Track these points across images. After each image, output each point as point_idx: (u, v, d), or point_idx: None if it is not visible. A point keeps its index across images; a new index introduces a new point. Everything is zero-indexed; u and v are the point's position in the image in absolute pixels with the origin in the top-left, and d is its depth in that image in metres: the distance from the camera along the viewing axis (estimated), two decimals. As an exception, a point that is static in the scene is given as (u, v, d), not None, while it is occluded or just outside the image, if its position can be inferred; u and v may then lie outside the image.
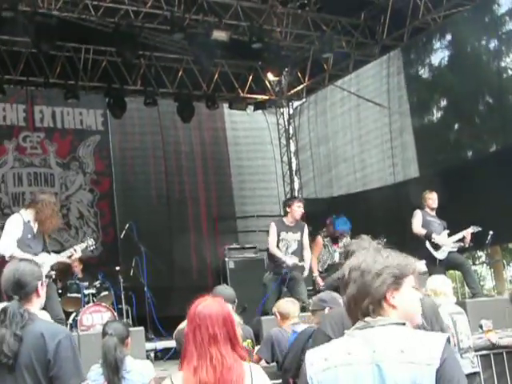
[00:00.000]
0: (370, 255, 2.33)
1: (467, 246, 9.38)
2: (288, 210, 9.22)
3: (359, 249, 3.40)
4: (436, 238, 9.25)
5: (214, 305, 3.05)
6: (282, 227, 9.10)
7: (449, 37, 13.22)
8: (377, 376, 2.16)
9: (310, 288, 9.81)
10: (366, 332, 2.25)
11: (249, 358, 4.71)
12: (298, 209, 9.07)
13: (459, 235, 9.35)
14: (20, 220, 7.13)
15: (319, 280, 9.52)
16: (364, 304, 2.27)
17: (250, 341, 4.89)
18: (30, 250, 6.88)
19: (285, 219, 9.25)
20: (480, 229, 9.28)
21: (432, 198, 9.52)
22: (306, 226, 9.30)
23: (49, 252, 7.24)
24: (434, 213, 9.55)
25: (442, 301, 5.99)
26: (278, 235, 9.03)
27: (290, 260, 8.80)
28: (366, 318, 2.27)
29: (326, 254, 9.71)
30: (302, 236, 9.06)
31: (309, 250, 9.26)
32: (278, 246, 9.01)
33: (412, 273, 2.34)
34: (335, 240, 9.75)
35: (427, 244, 9.26)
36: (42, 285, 3.48)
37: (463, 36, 12.56)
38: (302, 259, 9.02)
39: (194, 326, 2.97)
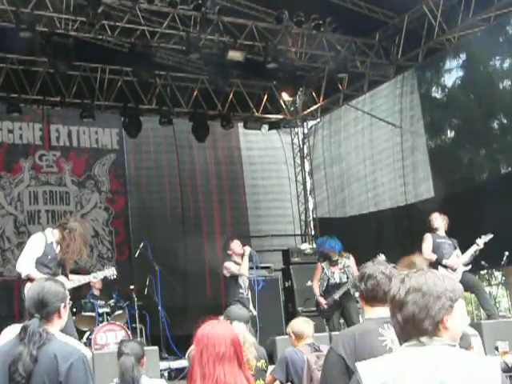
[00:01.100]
0: (430, 277, 2.40)
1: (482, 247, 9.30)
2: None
3: (376, 272, 3.45)
4: (447, 262, 9.20)
5: (221, 326, 3.10)
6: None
7: (463, 57, 13.22)
8: None
9: (314, 309, 10.28)
10: (424, 349, 2.31)
11: (262, 378, 4.71)
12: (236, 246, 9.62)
13: (470, 251, 9.29)
14: (42, 240, 7.06)
15: (322, 300, 9.85)
16: (424, 325, 2.33)
17: (263, 361, 4.88)
18: (49, 270, 6.82)
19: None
20: (491, 235, 9.13)
21: (432, 219, 9.49)
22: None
23: (67, 276, 7.18)
24: (443, 233, 9.50)
25: None
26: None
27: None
28: (422, 338, 2.34)
29: (325, 277, 9.94)
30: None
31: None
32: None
33: (460, 296, 2.44)
34: (333, 262, 9.98)
35: (440, 269, 9.19)
36: (64, 307, 3.49)
37: (477, 56, 12.55)
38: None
39: (201, 346, 2.99)
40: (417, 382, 2.22)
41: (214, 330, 3.01)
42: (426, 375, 2.23)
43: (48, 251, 7.00)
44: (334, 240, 10.22)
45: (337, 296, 9.69)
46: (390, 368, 2.27)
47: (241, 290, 9.32)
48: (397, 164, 13.91)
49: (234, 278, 9.36)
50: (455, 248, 9.42)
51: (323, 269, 9.98)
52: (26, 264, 6.91)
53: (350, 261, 9.94)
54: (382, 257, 7.79)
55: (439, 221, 9.49)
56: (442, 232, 9.49)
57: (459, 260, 9.30)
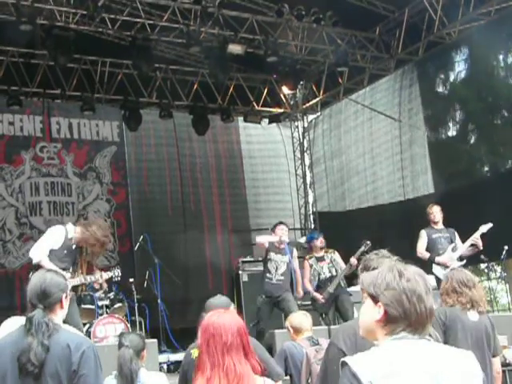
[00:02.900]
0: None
1: (481, 248, 9.25)
2: (273, 233, 9.76)
3: (380, 265, 3.38)
4: (440, 260, 9.19)
5: (228, 316, 3.08)
6: (272, 247, 9.57)
7: (465, 51, 13.19)
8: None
9: (309, 302, 10.18)
10: (416, 343, 2.33)
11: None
12: (279, 232, 9.56)
13: (467, 244, 9.23)
14: (63, 234, 7.11)
15: (318, 296, 9.78)
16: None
17: None
18: (60, 264, 6.86)
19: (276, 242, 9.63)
20: (491, 225, 9.03)
21: (433, 213, 9.45)
22: (294, 249, 9.92)
23: (75, 272, 7.23)
24: (439, 225, 9.48)
25: None
26: (267, 254, 9.58)
27: None
28: (417, 331, 2.35)
29: (315, 273, 9.94)
30: (290, 259, 9.44)
31: (299, 272, 9.74)
32: (267, 265, 9.56)
33: None
34: (320, 259, 10.03)
35: (434, 266, 9.19)
36: (66, 297, 3.54)
37: (479, 50, 12.52)
38: (291, 280, 9.51)
39: (207, 336, 2.98)
40: (416, 377, 2.23)
41: (220, 320, 3.01)
42: (425, 369, 2.24)
43: (65, 246, 7.05)
44: (313, 233, 10.54)
45: (331, 289, 9.69)
46: (387, 362, 2.26)
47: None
48: (395, 157, 13.93)
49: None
50: (452, 241, 9.40)
51: (311, 266, 9.98)
52: (39, 251, 6.95)
53: (335, 255, 10.02)
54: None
55: (439, 214, 9.47)
56: (439, 225, 9.49)
57: (456, 253, 9.27)
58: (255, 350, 4.64)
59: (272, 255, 9.57)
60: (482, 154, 13.01)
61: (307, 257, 10.30)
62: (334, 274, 9.82)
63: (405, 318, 2.33)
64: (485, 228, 9.08)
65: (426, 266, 9.02)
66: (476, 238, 9.06)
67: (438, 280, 8.46)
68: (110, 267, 8.33)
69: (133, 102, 13.97)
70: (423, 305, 2.33)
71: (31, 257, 7.03)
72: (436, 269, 9.15)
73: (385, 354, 2.30)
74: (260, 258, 10.62)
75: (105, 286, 10.82)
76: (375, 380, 2.20)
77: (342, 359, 2.32)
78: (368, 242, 9.45)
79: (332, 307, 9.80)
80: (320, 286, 9.87)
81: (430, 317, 2.36)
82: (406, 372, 2.22)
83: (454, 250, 9.28)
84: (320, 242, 10.13)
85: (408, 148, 13.65)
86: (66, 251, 7.04)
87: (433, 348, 2.35)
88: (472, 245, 9.20)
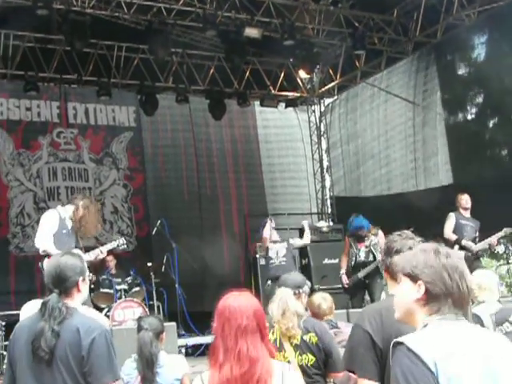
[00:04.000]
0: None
1: (495, 248, 9.32)
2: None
3: (404, 248, 3.29)
4: (466, 244, 9.21)
5: (243, 298, 2.99)
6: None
7: (484, 33, 13.02)
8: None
9: (339, 286, 10.16)
10: (462, 323, 2.30)
11: (309, 352, 4.55)
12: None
13: (485, 244, 9.29)
14: (56, 215, 7.21)
15: (344, 278, 9.84)
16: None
17: (312, 334, 4.60)
18: (64, 246, 6.88)
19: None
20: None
21: (464, 199, 9.48)
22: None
23: (81, 249, 7.28)
24: (468, 214, 9.48)
25: (486, 297, 5.48)
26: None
27: None
28: (461, 311, 2.32)
29: (352, 253, 9.88)
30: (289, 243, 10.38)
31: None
32: (268, 254, 10.32)
33: None
34: (360, 239, 9.91)
35: (455, 248, 9.17)
36: (83, 280, 3.49)
37: (499, 32, 12.37)
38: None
39: (223, 319, 2.90)
40: (473, 358, 2.18)
41: (235, 302, 2.93)
42: (480, 351, 2.20)
43: (62, 226, 7.14)
44: (360, 219, 10.15)
45: (361, 275, 9.64)
46: (445, 342, 2.21)
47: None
48: (408, 139, 13.83)
49: None
50: (476, 232, 9.41)
51: (351, 245, 9.92)
52: (42, 240, 7.03)
53: (377, 237, 9.85)
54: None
55: (468, 203, 9.50)
56: (468, 213, 9.49)
57: (476, 247, 9.30)
58: (325, 336, 4.60)
59: (270, 245, 10.19)
60: (501, 137, 12.86)
61: (348, 234, 10.32)
62: (371, 259, 9.69)
63: (447, 295, 2.28)
64: (509, 231, 9.14)
65: (450, 247, 9.03)
66: (496, 238, 9.15)
67: None
68: (112, 240, 8.31)
69: (149, 87, 13.95)
70: (465, 282, 2.29)
71: (37, 247, 7.09)
72: (457, 251, 9.14)
73: (440, 333, 2.24)
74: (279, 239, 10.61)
75: (112, 263, 10.92)
76: (438, 360, 2.14)
77: (395, 340, 2.26)
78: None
79: (361, 290, 9.74)
80: (354, 268, 9.79)
81: (470, 295, 2.32)
82: (465, 353, 2.17)
83: (475, 242, 9.34)
84: (365, 234, 9.92)
85: (420, 130, 13.55)
86: (64, 231, 7.14)
87: (480, 330, 2.32)
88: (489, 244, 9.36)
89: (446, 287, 2.27)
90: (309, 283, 5.24)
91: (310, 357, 4.51)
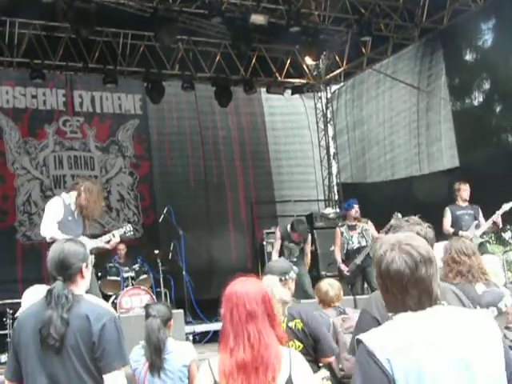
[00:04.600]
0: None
1: (501, 226, 9.34)
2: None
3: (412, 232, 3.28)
4: (463, 234, 9.18)
5: (251, 283, 3.00)
6: (288, 238, 10.35)
7: (491, 19, 12.93)
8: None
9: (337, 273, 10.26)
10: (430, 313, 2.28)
11: (296, 339, 4.57)
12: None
13: (489, 222, 9.29)
14: (60, 202, 7.19)
15: (343, 267, 9.96)
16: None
17: (298, 321, 4.63)
18: (71, 232, 6.86)
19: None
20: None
21: (462, 189, 9.52)
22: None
23: (88, 236, 7.27)
24: (465, 203, 9.52)
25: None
26: (283, 242, 10.40)
27: None
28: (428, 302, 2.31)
29: (345, 241, 10.04)
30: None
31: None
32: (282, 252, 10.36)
33: None
34: (352, 227, 10.10)
35: None
36: (86, 267, 3.50)
37: (506, 18, 12.28)
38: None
39: (231, 305, 2.91)
40: (433, 348, 2.16)
41: (243, 288, 2.93)
42: (440, 340, 2.17)
43: (67, 213, 7.12)
44: (348, 201, 10.54)
45: (358, 261, 9.77)
46: (401, 336, 2.19)
47: None
48: (412, 125, 13.81)
49: None
50: (475, 218, 9.43)
51: (342, 233, 10.07)
52: (48, 228, 7.01)
53: (368, 225, 10.06)
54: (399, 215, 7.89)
55: (468, 192, 9.53)
56: (464, 203, 9.51)
57: (479, 231, 9.34)
58: (311, 322, 4.61)
59: (286, 243, 10.22)
60: (508, 123, 12.81)
61: (339, 224, 10.55)
62: (364, 244, 9.82)
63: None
64: (507, 206, 9.13)
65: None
66: (498, 216, 9.11)
67: None
68: (119, 227, 8.29)
69: (155, 74, 13.93)
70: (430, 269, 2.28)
71: (43, 235, 7.08)
72: None
73: (396, 326, 2.23)
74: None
75: (122, 252, 10.94)
76: (391, 356, 2.12)
77: (357, 337, 2.26)
78: (399, 215, 9.41)
79: (360, 277, 9.82)
80: (348, 256, 9.96)
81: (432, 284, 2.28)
82: (428, 343, 2.15)
83: (477, 227, 9.39)
84: (355, 211, 10.17)
85: (424, 115, 13.51)
86: (70, 218, 7.11)
87: (447, 315, 2.27)
88: (493, 222, 9.31)
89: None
90: (296, 269, 5.29)
91: (298, 343, 4.52)
